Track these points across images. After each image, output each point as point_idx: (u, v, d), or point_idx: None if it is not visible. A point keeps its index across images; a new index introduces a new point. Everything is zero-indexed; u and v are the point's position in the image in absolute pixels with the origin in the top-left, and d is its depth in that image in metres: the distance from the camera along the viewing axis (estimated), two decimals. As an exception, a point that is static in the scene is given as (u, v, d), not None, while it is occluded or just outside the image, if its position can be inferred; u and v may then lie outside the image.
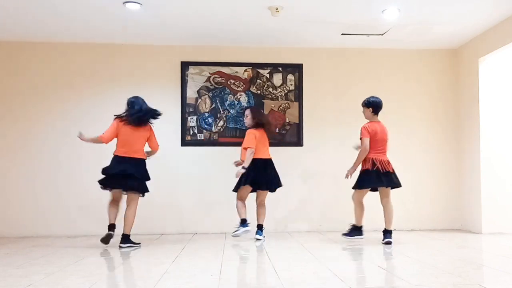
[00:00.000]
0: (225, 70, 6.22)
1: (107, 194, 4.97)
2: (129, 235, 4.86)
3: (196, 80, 6.18)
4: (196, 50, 6.19)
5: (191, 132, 6.15)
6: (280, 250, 4.74)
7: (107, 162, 4.94)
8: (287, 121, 6.26)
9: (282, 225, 6.09)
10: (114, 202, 4.94)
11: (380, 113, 6.25)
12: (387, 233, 4.97)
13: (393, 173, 5.03)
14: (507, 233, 5.70)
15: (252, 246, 4.97)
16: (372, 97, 5.13)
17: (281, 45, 6.22)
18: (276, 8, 4.86)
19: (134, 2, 4.78)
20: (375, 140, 4.97)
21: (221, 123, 6.19)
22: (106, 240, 4.79)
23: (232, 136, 6.18)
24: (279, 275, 3.46)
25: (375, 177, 4.92)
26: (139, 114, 4.86)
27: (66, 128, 5.98)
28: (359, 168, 5.09)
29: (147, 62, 6.15)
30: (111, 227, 4.85)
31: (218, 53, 6.21)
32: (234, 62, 6.23)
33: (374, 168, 4.91)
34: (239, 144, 6.10)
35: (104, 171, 4.85)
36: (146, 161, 5.00)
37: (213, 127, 6.17)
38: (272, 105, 6.23)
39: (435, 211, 6.31)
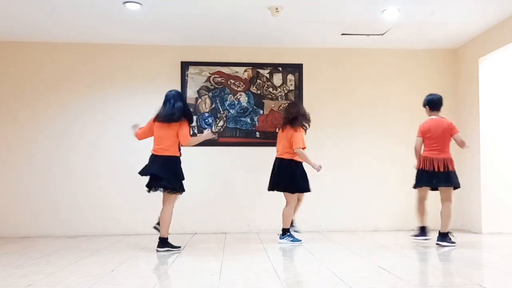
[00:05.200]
0: (225, 70, 6.22)
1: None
2: (166, 238, 4.59)
3: (196, 80, 6.18)
4: (196, 50, 6.19)
5: (191, 132, 6.13)
6: (280, 250, 4.74)
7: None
8: (287, 121, 6.25)
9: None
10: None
11: (380, 113, 6.30)
12: (438, 235, 4.85)
13: (445, 172, 4.80)
14: (507, 233, 5.69)
15: (252, 246, 4.97)
16: (430, 94, 5.16)
17: (281, 45, 6.22)
18: (276, 8, 4.86)
19: (134, 2, 4.78)
20: (427, 137, 4.96)
21: (221, 123, 6.19)
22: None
23: (232, 136, 6.18)
24: (279, 275, 3.46)
25: (425, 176, 4.89)
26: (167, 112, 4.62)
27: (66, 128, 5.98)
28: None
29: (147, 62, 6.15)
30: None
31: (218, 53, 6.21)
32: (234, 62, 6.22)
33: (422, 167, 4.91)
34: (239, 144, 6.12)
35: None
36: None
37: (213, 127, 6.17)
38: (272, 105, 6.23)
39: (435, 211, 6.29)
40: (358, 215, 6.20)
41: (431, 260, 4.07)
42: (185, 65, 6.15)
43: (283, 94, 6.27)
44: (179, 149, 4.71)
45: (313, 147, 6.22)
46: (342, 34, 5.81)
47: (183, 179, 4.69)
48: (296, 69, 6.29)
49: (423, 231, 5.04)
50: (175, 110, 4.60)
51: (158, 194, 5.94)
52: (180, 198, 6.07)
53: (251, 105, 6.17)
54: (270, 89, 6.26)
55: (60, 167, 5.96)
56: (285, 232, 5.10)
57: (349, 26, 5.51)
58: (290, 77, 6.28)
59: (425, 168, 4.88)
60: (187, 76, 6.16)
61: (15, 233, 5.83)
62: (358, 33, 5.77)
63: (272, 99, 6.25)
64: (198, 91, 6.18)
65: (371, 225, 6.20)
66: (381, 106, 6.32)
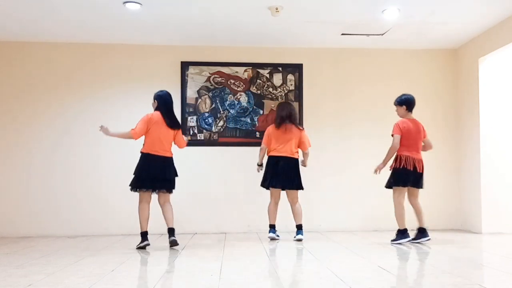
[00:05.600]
0: (225, 70, 6.22)
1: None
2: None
3: (196, 80, 6.18)
4: (196, 50, 6.19)
5: (191, 132, 6.15)
6: (280, 250, 4.74)
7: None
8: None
9: (282, 225, 6.08)
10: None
11: (380, 113, 6.29)
12: (419, 231, 4.95)
13: (421, 173, 4.97)
14: (507, 233, 5.69)
15: (252, 246, 4.97)
16: (404, 94, 5.16)
17: (281, 45, 6.22)
18: (276, 8, 4.86)
19: (134, 2, 4.78)
20: (407, 137, 4.97)
21: (221, 123, 6.19)
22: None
23: (232, 136, 6.18)
24: (279, 275, 3.46)
25: (407, 175, 4.92)
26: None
27: (66, 128, 5.98)
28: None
29: (147, 62, 6.15)
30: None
31: (218, 53, 6.21)
32: (234, 62, 6.22)
33: (401, 166, 4.92)
34: (239, 144, 6.12)
35: None
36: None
37: (213, 127, 6.17)
38: (272, 105, 6.23)
39: (435, 211, 6.30)
40: (358, 215, 6.20)
41: (431, 260, 4.07)
42: (185, 65, 6.15)
43: (283, 94, 6.27)
44: None
45: (313, 147, 6.21)
46: (342, 34, 5.81)
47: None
48: (296, 69, 6.29)
49: (403, 233, 4.99)
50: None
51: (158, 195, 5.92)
52: (180, 198, 6.09)
53: (251, 105, 6.17)
54: (270, 89, 6.26)
55: (60, 167, 5.96)
56: (301, 227, 5.31)
57: (349, 26, 5.51)
58: (290, 77, 6.28)
59: (408, 167, 4.88)
60: (187, 76, 6.16)
61: (15, 233, 5.83)
62: (358, 33, 5.77)
63: (272, 99, 6.25)
64: (198, 91, 6.18)
65: (371, 225, 6.20)
66: (381, 106, 6.31)
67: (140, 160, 4.75)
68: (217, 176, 6.09)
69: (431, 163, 6.35)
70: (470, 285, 3.09)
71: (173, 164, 4.86)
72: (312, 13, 5.09)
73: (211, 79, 6.20)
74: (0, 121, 5.96)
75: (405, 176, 4.92)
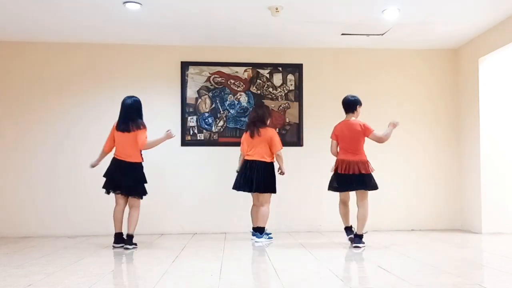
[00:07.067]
0: (225, 70, 6.22)
1: (106, 194, 4.93)
2: (133, 236, 4.83)
3: (196, 80, 6.18)
4: (196, 50, 6.19)
5: (191, 132, 6.15)
6: (280, 250, 4.74)
7: (107, 163, 4.94)
8: (287, 121, 6.26)
9: (282, 225, 6.09)
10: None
11: (381, 113, 6.29)
12: (356, 237, 4.79)
13: (360, 174, 4.73)
14: (507, 233, 5.69)
15: (252, 246, 4.97)
16: (355, 95, 5.03)
17: (281, 45, 6.22)
18: (276, 8, 4.86)
19: (134, 2, 4.78)
20: (341, 141, 4.86)
21: (221, 123, 6.19)
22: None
23: (232, 136, 6.17)
24: (279, 275, 3.46)
25: (338, 179, 4.81)
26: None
27: (66, 128, 5.98)
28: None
29: (147, 62, 6.15)
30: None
31: (218, 53, 6.21)
32: (234, 62, 6.22)
33: (336, 170, 4.84)
34: (239, 144, 6.09)
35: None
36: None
37: (213, 127, 6.17)
38: (272, 105, 6.23)
39: (435, 211, 6.31)
40: (358, 215, 6.19)
41: (431, 260, 4.07)
42: (185, 65, 6.15)
43: (283, 94, 6.27)
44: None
45: (313, 147, 6.23)
46: (342, 34, 5.81)
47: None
48: (296, 69, 6.29)
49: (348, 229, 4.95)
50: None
51: (158, 195, 5.96)
52: (180, 198, 6.10)
53: (251, 105, 6.17)
54: (270, 89, 6.26)
55: (61, 168, 5.95)
56: (263, 231, 5.22)
57: (349, 26, 5.51)
58: (290, 77, 6.28)
59: (342, 171, 4.76)
60: (187, 76, 6.16)
61: (15, 233, 5.82)
62: (358, 33, 5.77)
63: (272, 99, 6.25)
64: (198, 91, 6.18)
65: (371, 225, 6.19)
66: (381, 106, 6.31)
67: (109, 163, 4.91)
68: (217, 176, 6.08)
69: (431, 163, 6.37)
70: (470, 285, 3.09)
71: (136, 169, 4.81)
72: (312, 13, 5.09)
73: (211, 79, 6.20)
74: (1, 122, 5.96)
75: (340, 179, 4.78)
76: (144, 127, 4.83)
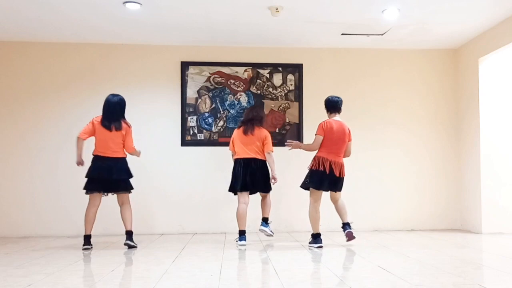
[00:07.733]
0: (225, 70, 6.22)
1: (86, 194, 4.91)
2: (133, 232, 4.86)
3: (196, 80, 6.18)
4: (196, 50, 6.19)
5: (191, 132, 6.15)
6: (280, 250, 4.74)
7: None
8: (287, 121, 6.26)
9: (282, 225, 6.09)
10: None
11: (381, 113, 6.29)
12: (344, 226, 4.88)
13: (338, 177, 4.79)
14: (507, 233, 5.70)
15: (252, 246, 4.97)
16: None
17: (281, 45, 6.22)
18: (276, 8, 4.86)
19: (134, 2, 4.78)
20: (329, 139, 4.79)
21: (221, 123, 6.19)
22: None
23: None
24: (279, 275, 3.46)
25: (318, 177, 4.75)
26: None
27: (66, 127, 5.97)
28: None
29: (147, 62, 6.15)
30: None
31: (218, 53, 6.21)
32: (234, 62, 6.22)
33: (317, 168, 4.75)
34: (239, 144, 6.07)
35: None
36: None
37: (213, 127, 6.17)
38: (272, 105, 6.23)
39: (435, 211, 6.31)
40: (358, 215, 6.18)
41: (431, 260, 4.07)
42: (185, 65, 6.15)
43: (283, 94, 6.27)
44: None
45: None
46: (342, 34, 5.81)
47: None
48: (296, 69, 6.29)
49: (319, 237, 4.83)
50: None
51: (158, 195, 5.97)
52: (180, 198, 6.09)
53: (251, 105, 6.16)
54: (270, 89, 6.26)
55: (61, 168, 5.95)
56: (267, 221, 5.21)
57: (349, 26, 5.51)
58: (290, 77, 6.28)
59: (322, 169, 4.72)
60: (187, 76, 6.16)
61: (15, 233, 5.83)
62: (358, 33, 5.77)
63: (272, 99, 6.25)
64: (198, 91, 6.18)
65: (371, 225, 6.20)
66: (381, 106, 6.32)
67: (91, 163, 4.83)
68: (217, 176, 6.08)
69: (431, 163, 6.37)
70: (470, 285, 3.09)
71: (124, 163, 4.86)
72: (312, 13, 5.09)
73: (211, 79, 6.20)
74: (1, 122, 5.96)
75: (320, 178, 4.74)
76: (130, 126, 4.92)
